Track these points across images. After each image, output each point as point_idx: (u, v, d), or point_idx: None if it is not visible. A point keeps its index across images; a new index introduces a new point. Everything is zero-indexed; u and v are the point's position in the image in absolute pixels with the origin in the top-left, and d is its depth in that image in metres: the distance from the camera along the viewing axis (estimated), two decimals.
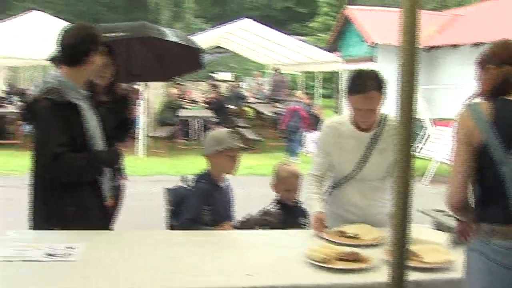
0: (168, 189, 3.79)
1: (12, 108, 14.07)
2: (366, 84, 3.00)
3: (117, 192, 3.70)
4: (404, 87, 1.74)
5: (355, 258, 2.51)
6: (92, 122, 3.11)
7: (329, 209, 3.21)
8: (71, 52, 3.03)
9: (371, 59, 16.31)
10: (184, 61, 5.83)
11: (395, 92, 1.77)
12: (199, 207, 3.44)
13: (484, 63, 2.61)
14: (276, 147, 13.66)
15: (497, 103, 2.33)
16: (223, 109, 15.05)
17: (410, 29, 1.74)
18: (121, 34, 5.07)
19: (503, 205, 2.22)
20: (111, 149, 3.20)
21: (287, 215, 3.56)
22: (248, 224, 3.45)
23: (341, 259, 2.50)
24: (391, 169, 3.12)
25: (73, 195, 3.00)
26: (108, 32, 4.85)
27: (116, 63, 3.69)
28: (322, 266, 2.41)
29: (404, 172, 1.80)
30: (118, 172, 3.75)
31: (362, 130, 3.17)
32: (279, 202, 3.66)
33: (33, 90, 3.17)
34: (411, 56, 1.74)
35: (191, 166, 10.92)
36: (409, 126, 1.77)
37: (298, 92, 15.08)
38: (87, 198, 3.06)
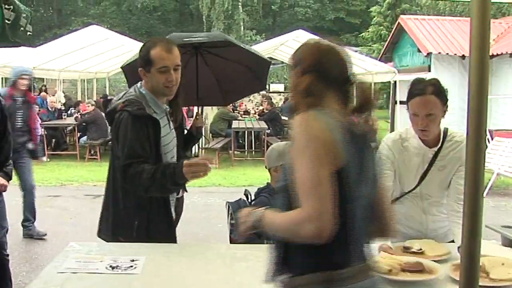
0: (229, 202, 3.80)
1: (70, 120, 14.46)
2: (425, 88, 2.93)
3: (180, 205, 3.73)
4: (474, 97, 1.68)
5: (421, 269, 2.44)
6: (169, 137, 3.11)
7: None
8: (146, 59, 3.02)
9: (425, 69, 16.05)
10: (249, 82, 5.57)
11: (465, 103, 1.72)
12: None
13: (294, 65, 2.10)
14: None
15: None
16: (276, 120, 15.04)
17: (481, 38, 1.67)
18: (200, 38, 5.02)
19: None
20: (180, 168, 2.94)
21: None
22: None
23: (405, 270, 2.43)
24: (449, 184, 3.04)
25: (142, 207, 3.02)
26: (185, 38, 4.86)
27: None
28: (387, 278, 2.34)
29: (474, 187, 1.74)
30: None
31: (427, 145, 3.07)
32: None
33: (116, 99, 3.18)
34: (482, 66, 1.67)
35: (244, 177, 10.97)
36: (480, 139, 1.71)
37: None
38: (155, 211, 3.08)
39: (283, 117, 16.46)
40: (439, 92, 2.92)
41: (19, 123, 6.71)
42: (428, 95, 2.90)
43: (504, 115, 14.18)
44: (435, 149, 3.05)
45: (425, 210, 3.13)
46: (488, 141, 12.15)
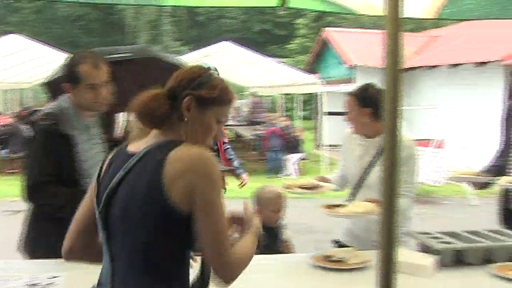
0: None
1: None
2: (351, 91, 3.34)
3: None
4: (389, 108, 1.75)
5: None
6: (90, 154, 3.01)
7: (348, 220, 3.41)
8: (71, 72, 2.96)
9: (349, 80, 16.49)
10: None
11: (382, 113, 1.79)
12: None
13: None
14: (257, 170, 13.65)
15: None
16: None
17: (394, 51, 1.76)
18: (124, 55, 4.99)
19: None
20: None
21: (271, 238, 3.55)
22: None
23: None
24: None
25: (60, 223, 2.94)
26: (109, 55, 4.80)
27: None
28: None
29: (390, 194, 1.81)
30: None
31: (367, 137, 3.34)
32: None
33: (42, 111, 3.07)
34: (395, 77, 1.75)
35: None
36: (395, 150, 1.78)
37: (276, 114, 15.16)
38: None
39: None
40: (357, 95, 3.26)
41: None
42: (348, 96, 3.31)
43: (425, 125, 14.73)
44: (376, 139, 3.28)
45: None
46: None
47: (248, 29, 41.75)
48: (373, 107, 3.20)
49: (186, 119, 1.80)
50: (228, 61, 15.98)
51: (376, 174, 3.23)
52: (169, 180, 1.68)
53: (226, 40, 14.92)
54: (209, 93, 1.82)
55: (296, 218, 8.81)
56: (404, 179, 3.07)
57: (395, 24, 1.78)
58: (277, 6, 3.07)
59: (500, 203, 3.84)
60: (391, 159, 1.78)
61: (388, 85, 1.75)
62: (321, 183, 3.35)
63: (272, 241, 3.55)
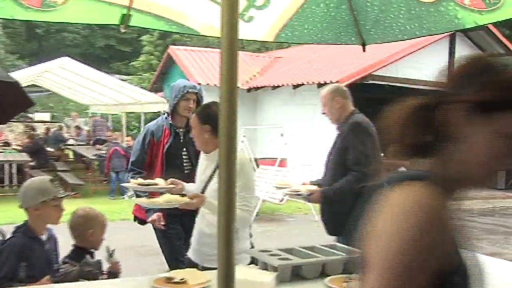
0: None
1: None
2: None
3: None
4: (224, 125, 1.80)
5: None
6: None
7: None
8: None
9: None
10: (11, 101, 5.44)
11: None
12: (13, 264, 3.22)
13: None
14: (99, 191, 13.28)
15: None
16: (41, 152, 14.33)
17: (229, 69, 1.81)
18: None
19: None
20: None
21: (96, 262, 3.46)
22: (70, 277, 3.26)
23: None
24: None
25: None
26: None
27: None
28: None
29: (227, 212, 1.85)
30: None
31: (209, 152, 3.49)
32: (81, 249, 3.56)
33: None
34: (230, 96, 1.81)
35: (4, 216, 10.18)
36: (230, 165, 1.83)
37: (116, 133, 14.87)
38: None
39: (48, 148, 15.75)
40: (199, 113, 3.48)
41: None
42: (193, 114, 3.55)
43: (267, 144, 15.26)
44: (212, 154, 3.43)
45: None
46: (255, 170, 12.97)
47: (91, 44, 40.67)
48: (212, 124, 3.34)
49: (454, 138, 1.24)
50: (68, 77, 15.45)
51: (212, 187, 3.38)
52: None
53: (67, 56, 14.44)
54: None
55: (139, 240, 8.68)
56: (247, 195, 3.25)
57: (230, 45, 1.84)
58: (117, 25, 3.03)
59: (321, 215, 4.39)
60: (227, 175, 1.82)
61: (223, 103, 1.80)
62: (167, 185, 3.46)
63: (97, 264, 3.44)
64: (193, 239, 3.55)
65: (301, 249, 3.09)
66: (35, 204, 3.37)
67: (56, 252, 3.56)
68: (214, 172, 3.39)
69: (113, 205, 11.69)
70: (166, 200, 3.29)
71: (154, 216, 4.25)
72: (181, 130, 4.39)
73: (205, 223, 3.49)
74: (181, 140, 4.37)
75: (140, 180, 3.55)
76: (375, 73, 13.54)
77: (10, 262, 3.22)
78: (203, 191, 3.42)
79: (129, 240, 8.60)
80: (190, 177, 3.78)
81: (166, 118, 4.44)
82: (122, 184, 3.95)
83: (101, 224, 3.68)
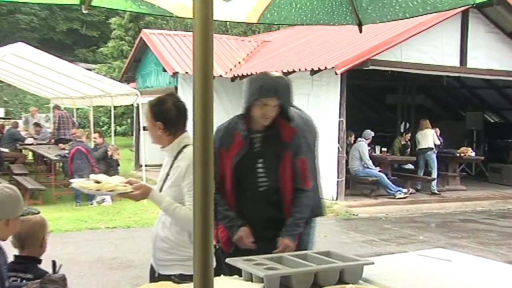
0: None
1: None
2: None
3: None
4: (198, 118, 1.81)
5: None
6: None
7: None
8: None
9: (172, 90, 16.61)
10: None
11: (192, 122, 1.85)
12: None
13: None
14: (64, 197, 13.25)
15: None
16: None
17: (203, 54, 1.82)
18: None
19: None
20: None
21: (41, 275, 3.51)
22: None
23: None
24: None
25: None
26: None
27: None
28: None
29: (203, 216, 1.87)
30: None
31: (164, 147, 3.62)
32: (27, 259, 3.64)
33: None
34: (205, 85, 1.82)
35: None
36: (206, 160, 1.84)
37: (80, 130, 14.75)
38: None
39: (2, 149, 15.67)
40: (152, 107, 3.55)
41: None
42: (147, 106, 3.63)
43: None
44: (169, 152, 3.58)
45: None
46: None
47: (51, 28, 40.35)
48: (165, 122, 3.49)
49: None
50: (24, 66, 15.35)
51: (167, 184, 3.52)
52: None
53: (22, 41, 14.33)
54: None
55: (110, 252, 8.70)
56: (187, 193, 3.38)
57: (203, 26, 1.84)
58: (78, 4, 3.03)
59: None
60: (202, 176, 1.84)
61: (197, 94, 1.81)
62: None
63: (62, 280, 3.44)
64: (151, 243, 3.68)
65: (291, 257, 3.11)
66: (15, 216, 3.29)
67: (6, 266, 3.56)
68: (170, 168, 3.51)
69: (79, 213, 11.71)
70: (103, 187, 3.44)
71: (241, 232, 3.75)
72: (258, 135, 3.76)
73: (160, 225, 3.59)
74: (256, 149, 3.75)
75: (83, 180, 3.62)
76: (375, 58, 13.56)
77: None
78: (160, 190, 3.53)
79: (97, 252, 8.62)
80: (265, 197, 3.72)
81: (238, 119, 3.80)
82: (72, 185, 3.80)
83: (47, 229, 3.80)
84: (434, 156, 15.39)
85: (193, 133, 1.84)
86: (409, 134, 16.82)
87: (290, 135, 3.73)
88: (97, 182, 3.46)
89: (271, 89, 3.57)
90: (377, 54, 13.39)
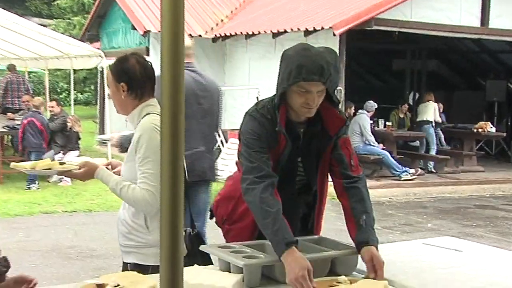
0: None
1: None
2: None
3: None
4: (166, 85, 1.83)
5: None
6: None
7: None
8: None
9: (143, 51, 16.55)
10: None
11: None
12: None
13: None
14: (14, 176, 13.20)
15: None
16: None
17: (172, 10, 1.83)
18: None
19: None
20: None
21: None
22: None
23: None
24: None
25: None
26: None
27: None
28: None
29: (171, 199, 1.90)
30: None
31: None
32: None
33: None
34: (174, 44, 1.83)
35: None
36: (176, 139, 1.86)
37: (37, 99, 14.64)
38: None
39: None
40: (113, 68, 3.63)
41: None
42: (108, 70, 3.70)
43: (241, 110, 15.25)
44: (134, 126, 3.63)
45: None
46: (222, 144, 13.03)
47: None
48: (129, 82, 3.54)
49: None
50: None
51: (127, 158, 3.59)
52: None
53: None
54: None
55: (67, 240, 8.73)
56: (147, 170, 3.38)
57: None
58: None
59: None
60: (171, 153, 1.85)
61: (164, 54, 1.83)
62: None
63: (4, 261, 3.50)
64: None
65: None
66: None
67: None
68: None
69: (31, 195, 11.71)
70: (44, 165, 3.71)
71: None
72: (299, 130, 3.43)
73: (122, 206, 3.69)
74: (299, 145, 3.45)
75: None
76: (380, 17, 13.55)
77: None
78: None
79: (53, 239, 8.66)
80: (301, 198, 3.56)
81: (273, 109, 3.34)
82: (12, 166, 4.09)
83: None
84: (432, 130, 15.53)
85: (160, 103, 1.85)
86: (406, 105, 16.88)
87: (337, 126, 3.37)
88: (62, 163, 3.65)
89: (315, 69, 3.10)
90: (382, 12, 13.37)
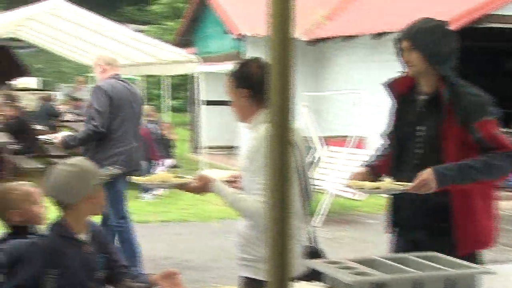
0: (5, 244, 3.70)
1: None
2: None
3: None
4: (275, 91, 1.80)
5: None
6: None
7: None
8: None
9: (237, 56, 16.59)
10: None
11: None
12: (40, 271, 3.45)
13: None
14: None
15: None
16: (26, 131, 14.62)
17: (281, 14, 1.81)
18: None
19: None
20: None
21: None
22: None
23: None
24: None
25: None
26: None
27: None
28: None
29: (281, 209, 1.87)
30: None
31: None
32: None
33: None
34: (283, 50, 1.81)
35: None
36: (283, 146, 1.83)
37: (147, 107, 14.92)
38: None
39: (36, 126, 16.02)
40: (234, 73, 3.69)
41: None
42: (227, 76, 3.71)
43: (339, 118, 15.13)
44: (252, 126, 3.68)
45: None
46: (320, 152, 12.93)
47: None
48: (251, 87, 3.57)
49: None
50: (62, 28, 15.62)
51: (246, 172, 3.57)
52: None
53: None
54: None
55: (160, 250, 8.81)
56: (257, 179, 3.40)
57: None
58: None
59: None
60: (279, 161, 1.83)
61: (273, 61, 1.80)
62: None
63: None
64: None
65: (386, 260, 3.09)
66: (91, 190, 3.61)
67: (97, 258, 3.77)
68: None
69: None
70: (160, 178, 3.86)
71: None
72: (420, 98, 3.99)
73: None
74: (420, 110, 3.98)
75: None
76: (494, 13, 13.16)
77: (36, 268, 3.46)
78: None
79: (148, 250, 8.72)
80: (418, 170, 3.73)
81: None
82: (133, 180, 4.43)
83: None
84: None
85: (268, 111, 1.83)
86: None
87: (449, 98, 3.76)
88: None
89: (406, 29, 3.90)
90: (496, 8, 12.93)
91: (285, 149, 1.84)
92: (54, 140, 7.75)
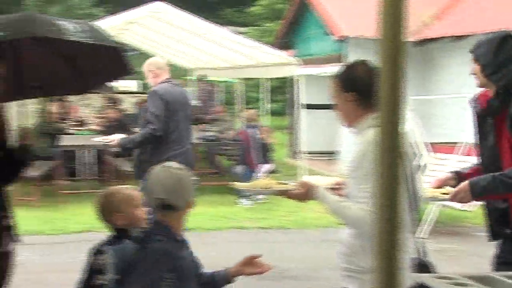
0: (112, 247, 3.83)
1: None
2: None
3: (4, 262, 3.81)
4: (385, 95, 1.77)
5: None
6: None
7: None
8: None
9: (338, 58, 16.56)
10: (103, 64, 6.44)
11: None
12: (158, 277, 3.56)
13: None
14: (217, 189, 13.53)
15: None
16: (127, 133, 14.90)
17: (393, 14, 1.78)
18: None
19: None
20: None
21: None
22: None
23: None
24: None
25: None
26: None
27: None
28: None
29: (388, 215, 1.83)
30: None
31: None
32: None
33: None
34: (394, 52, 1.78)
35: (78, 219, 10.74)
36: (393, 152, 1.79)
37: (252, 112, 15.08)
38: None
39: (137, 129, 16.30)
40: (340, 76, 3.67)
41: None
42: (332, 79, 3.72)
43: (447, 123, 14.88)
44: (359, 131, 3.64)
45: None
46: (425, 159, 12.74)
47: None
48: (358, 91, 3.55)
49: None
50: (163, 30, 15.88)
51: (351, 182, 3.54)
52: None
53: (161, 0, 14.81)
54: None
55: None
56: (362, 186, 3.37)
57: None
58: None
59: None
60: (388, 166, 1.79)
61: (385, 63, 1.77)
62: None
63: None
64: None
65: (504, 278, 2.99)
66: (192, 198, 3.79)
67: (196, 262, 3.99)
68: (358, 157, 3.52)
69: (224, 209, 12.03)
70: (263, 185, 3.95)
71: None
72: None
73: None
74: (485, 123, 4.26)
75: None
76: None
77: (154, 274, 3.57)
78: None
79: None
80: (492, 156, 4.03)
81: None
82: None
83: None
84: None
85: (378, 117, 1.79)
86: None
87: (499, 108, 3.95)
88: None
89: (474, 44, 4.12)
90: None
91: (395, 159, 1.79)
92: (111, 143, 8.29)
